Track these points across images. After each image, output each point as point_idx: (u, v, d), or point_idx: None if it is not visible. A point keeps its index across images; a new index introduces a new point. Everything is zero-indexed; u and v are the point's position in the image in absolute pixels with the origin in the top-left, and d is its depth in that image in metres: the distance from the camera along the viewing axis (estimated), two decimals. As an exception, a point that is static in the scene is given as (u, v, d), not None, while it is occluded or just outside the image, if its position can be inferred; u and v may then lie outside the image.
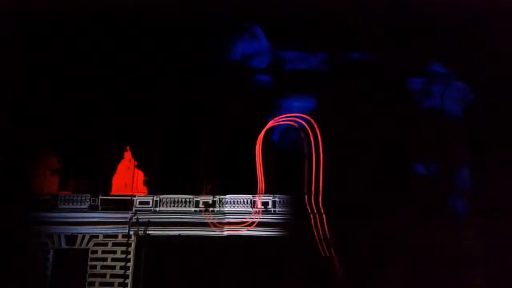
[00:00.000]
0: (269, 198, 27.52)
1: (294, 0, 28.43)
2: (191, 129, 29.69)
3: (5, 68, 28.04)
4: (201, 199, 27.67)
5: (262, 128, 29.63)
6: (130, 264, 26.75)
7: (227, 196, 27.75)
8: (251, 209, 27.37)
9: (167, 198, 27.91)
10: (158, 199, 27.90)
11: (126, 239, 26.94)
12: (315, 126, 29.25)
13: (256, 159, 28.63)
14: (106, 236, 27.02)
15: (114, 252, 26.88)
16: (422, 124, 29.25)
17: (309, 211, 27.08)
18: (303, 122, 28.83)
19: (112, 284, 26.39)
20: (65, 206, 27.01)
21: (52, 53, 29.17)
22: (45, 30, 28.77)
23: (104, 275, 26.45)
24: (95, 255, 26.80)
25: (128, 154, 29.21)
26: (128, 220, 27.11)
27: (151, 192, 28.49)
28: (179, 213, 27.64)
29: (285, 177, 28.67)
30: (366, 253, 26.45)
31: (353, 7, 28.10)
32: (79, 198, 27.28)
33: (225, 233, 27.26)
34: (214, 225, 27.28)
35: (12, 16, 27.53)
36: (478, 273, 26.86)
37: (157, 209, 27.73)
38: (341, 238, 26.94)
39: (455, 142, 29.39)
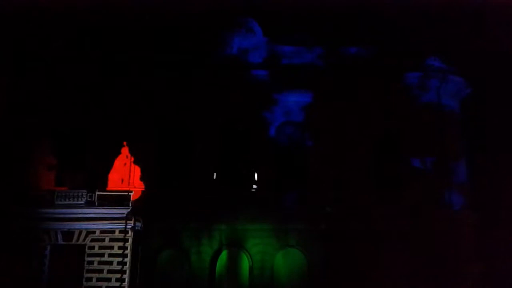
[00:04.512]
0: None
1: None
2: (187, 124, 29.65)
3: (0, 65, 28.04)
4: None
5: (259, 123, 29.62)
6: (127, 259, 26.76)
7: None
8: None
9: (163, 193, 27.88)
10: (155, 194, 27.86)
11: (123, 234, 26.95)
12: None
13: None
14: (103, 231, 26.93)
15: (111, 247, 26.83)
16: (419, 118, 29.23)
17: None
18: None
19: (109, 279, 26.34)
20: (61, 202, 26.94)
21: (49, 50, 29.13)
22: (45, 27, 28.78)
23: (101, 271, 26.43)
24: (92, 251, 26.73)
25: (125, 150, 29.15)
26: (125, 215, 27.08)
27: (147, 187, 28.50)
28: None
29: None
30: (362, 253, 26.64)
31: (349, 2, 28.04)
32: (75, 194, 27.18)
33: None
34: None
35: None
36: (474, 270, 26.99)
37: (153, 204, 27.65)
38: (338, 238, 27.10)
39: (451, 137, 29.38)
